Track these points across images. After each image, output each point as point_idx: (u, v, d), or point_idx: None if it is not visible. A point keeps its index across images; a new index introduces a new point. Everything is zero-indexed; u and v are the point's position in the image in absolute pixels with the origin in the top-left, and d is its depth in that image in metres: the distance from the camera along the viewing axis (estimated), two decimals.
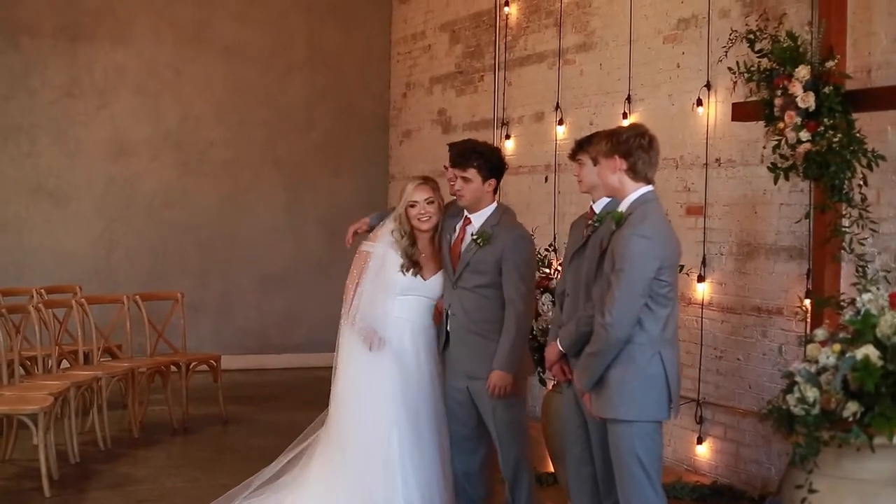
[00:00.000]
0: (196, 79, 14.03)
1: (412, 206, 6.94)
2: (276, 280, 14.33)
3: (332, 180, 14.59)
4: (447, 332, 6.96)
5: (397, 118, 14.70)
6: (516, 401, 6.86)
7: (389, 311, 6.97)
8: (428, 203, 6.93)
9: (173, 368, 10.71)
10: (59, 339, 10.26)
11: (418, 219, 6.95)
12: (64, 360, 10.48)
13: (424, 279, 6.97)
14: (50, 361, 9.89)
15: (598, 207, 6.24)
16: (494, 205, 6.93)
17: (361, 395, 6.95)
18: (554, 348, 6.27)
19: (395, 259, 6.94)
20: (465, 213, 6.93)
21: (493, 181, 6.87)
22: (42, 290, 11.01)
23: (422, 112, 13.96)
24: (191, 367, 10.81)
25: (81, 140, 13.58)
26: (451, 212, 7.09)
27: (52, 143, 13.47)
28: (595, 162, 6.03)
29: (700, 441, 8.85)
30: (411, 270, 6.93)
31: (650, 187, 5.82)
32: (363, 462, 6.87)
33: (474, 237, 6.82)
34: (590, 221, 6.24)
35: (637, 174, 5.78)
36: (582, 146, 6.39)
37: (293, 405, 11.84)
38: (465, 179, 6.79)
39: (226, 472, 8.91)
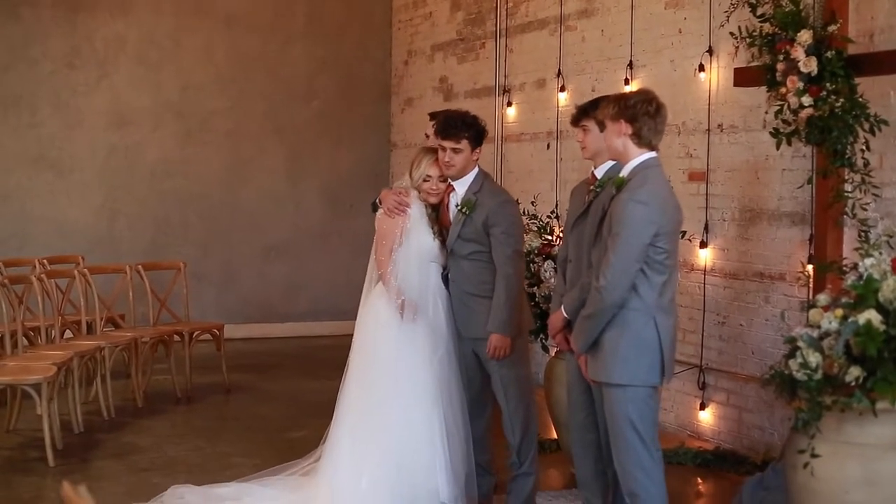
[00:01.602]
0: (197, 49, 13.99)
1: (426, 180, 6.90)
2: (279, 249, 14.33)
3: (333, 149, 14.57)
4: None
5: (398, 86, 14.66)
6: (519, 359, 6.89)
7: (426, 278, 6.94)
8: (440, 180, 6.90)
9: (176, 338, 10.72)
10: (62, 309, 10.27)
11: (428, 192, 6.92)
12: (67, 331, 10.51)
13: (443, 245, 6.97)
14: (53, 332, 9.90)
15: (599, 173, 6.23)
16: (476, 170, 6.94)
17: (399, 369, 6.83)
18: (559, 316, 6.26)
19: (423, 225, 6.92)
20: (448, 180, 6.95)
21: (479, 150, 6.91)
22: (45, 261, 11.00)
23: (423, 80, 13.92)
24: (194, 336, 10.82)
25: (82, 110, 13.56)
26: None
27: (53, 113, 13.44)
28: (602, 127, 6.01)
29: (703, 407, 8.86)
30: (441, 234, 6.91)
31: (653, 153, 5.79)
32: (399, 437, 6.75)
33: (459, 207, 6.85)
34: (591, 187, 6.23)
35: (641, 140, 5.76)
36: (586, 112, 6.36)
37: (296, 374, 11.90)
38: (457, 150, 6.80)
39: (228, 441, 8.95)
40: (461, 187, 6.89)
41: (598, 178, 6.21)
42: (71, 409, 9.10)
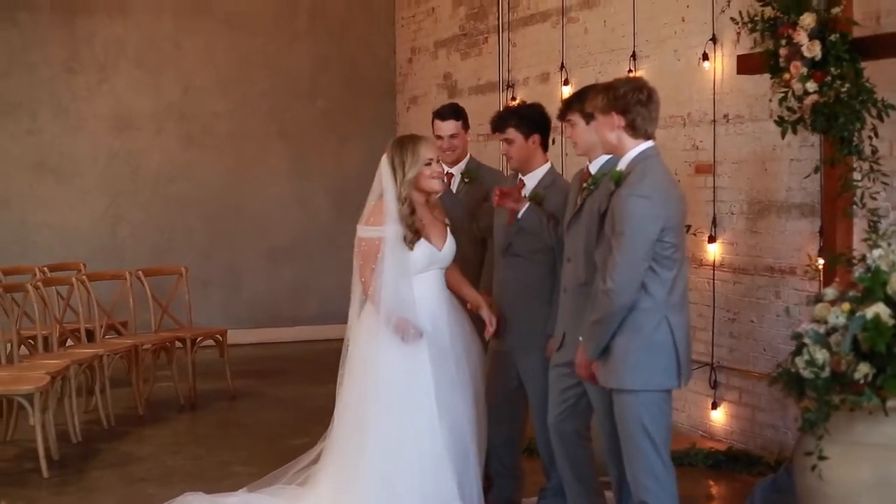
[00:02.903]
0: (198, 50, 13.82)
1: (428, 164, 6.41)
2: (285, 252, 14.14)
3: (338, 149, 14.36)
4: None
5: (403, 84, 14.48)
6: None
7: (417, 293, 6.47)
8: (438, 161, 6.54)
9: (178, 344, 10.55)
10: (63, 317, 10.12)
11: (431, 177, 6.43)
12: (69, 339, 10.35)
13: (439, 249, 6.52)
14: (51, 340, 9.74)
15: (594, 168, 5.95)
16: (548, 165, 6.76)
17: (398, 392, 6.38)
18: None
19: (402, 243, 6.42)
20: (519, 176, 6.76)
21: (536, 137, 6.67)
22: (45, 269, 10.86)
23: (427, 77, 13.74)
24: (196, 342, 10.64)
25: (83, 115, 13.41)
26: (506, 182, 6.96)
27: (54, 118, 13.30)
28: (588, 119, 5.77)
29: (715, 406, 8.65)
30: (415, 240, 6.40)
31: (650, 143, 5.55)
32: (397, 462, 6.35)
33: (527, 198, 6.64)
34: (584, 184, 5.96)
35: (636, 131, 5.51)
36: (571, 105, 6.12)
37: (302, 378, 11.69)
38: (508, 141, 6.67)
39: (230, 449, 8.78)
40: (531, 181, 6.71)
41: (593, 173, 5.95)
42: (68, 419, 8.93)
